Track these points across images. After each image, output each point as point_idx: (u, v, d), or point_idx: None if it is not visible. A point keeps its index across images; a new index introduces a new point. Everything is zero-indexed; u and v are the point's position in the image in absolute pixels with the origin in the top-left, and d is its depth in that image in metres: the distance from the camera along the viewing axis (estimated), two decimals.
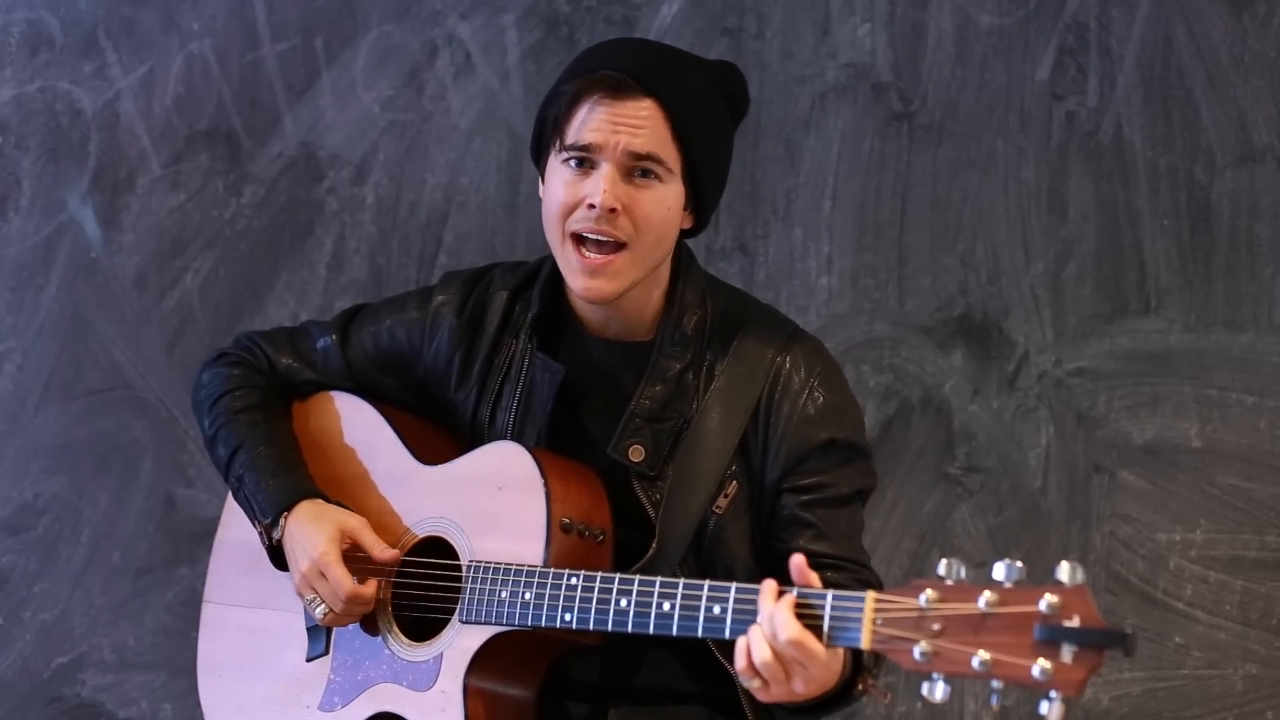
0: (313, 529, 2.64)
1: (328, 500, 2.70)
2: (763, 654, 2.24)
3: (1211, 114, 3.64)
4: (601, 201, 2.51)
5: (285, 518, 2.67)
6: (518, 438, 2.66)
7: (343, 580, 2.60)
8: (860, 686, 2.33)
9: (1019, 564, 2.06)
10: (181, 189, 4.09)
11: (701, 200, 2.62)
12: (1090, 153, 3.69)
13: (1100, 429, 3.66)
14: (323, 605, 2.63)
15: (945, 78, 3.76)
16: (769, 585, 2.26)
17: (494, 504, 2.57)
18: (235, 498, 2.77)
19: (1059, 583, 2.02)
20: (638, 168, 2.54)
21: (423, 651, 2.58)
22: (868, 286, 3.78)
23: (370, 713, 2.61)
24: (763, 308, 2.73)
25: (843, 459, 2.60)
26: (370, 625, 2.66)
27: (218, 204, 4.08)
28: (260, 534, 2.71)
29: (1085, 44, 3.70)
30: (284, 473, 2.71)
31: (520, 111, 3.94)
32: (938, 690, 2.08)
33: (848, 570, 2.54)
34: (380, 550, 2.62)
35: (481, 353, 2.72)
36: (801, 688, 2.25)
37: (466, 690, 2.51)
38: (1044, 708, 2.00)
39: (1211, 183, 3.63)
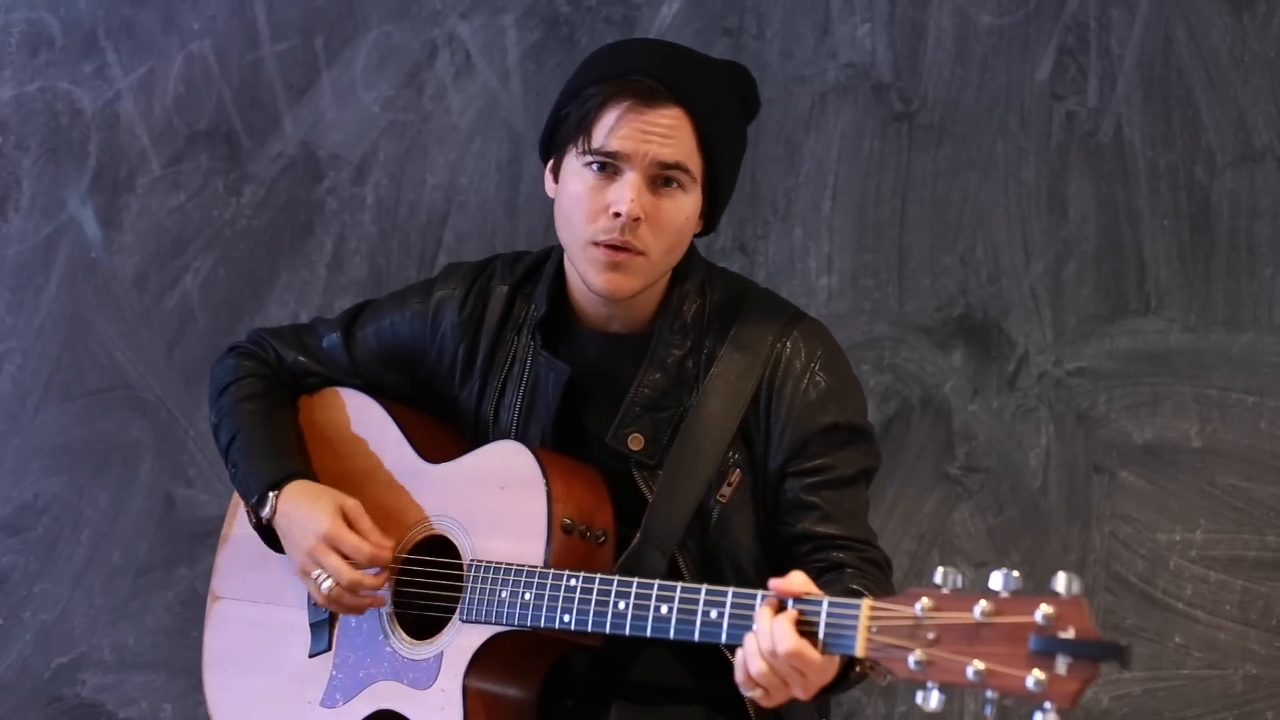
0: (310, 505, 2.64)
1: (318, 484, 2.69)
2: (759, 667, 2.25)
3: (1211, 114, 3.64)
4: (628, 211, 2.50)
5: (275, 496, 2.66)
6: (521, 436, 2.66)
7: (359, 545, 2.59)
8: (858, 669, 2.32)
9: (1015, 573, 2.06)
10: (181, 189, 4.09)
11: (715, 205, 2.62)
12: (1090, 153, 3.68)
13: (1100, 429, 3.66)
14: (329, 580, 2.60)
15: (945, 78, 3.75)
16: (769, 600, 2.26)
17: (496, 503, 2.57)
18: (233, 483, 2.77)
19: (1055, 594, 2.02)
20: (662, 176, 2.53)
21: (423, 650, 2.59)
22: (868, 286, 3.77)
23: (371, 710, 2.62)
24: (762, 292, 2.72)
25: (845, 441, 2.59)
26: (372, 623, 2.66)
27: (218, 204, 4.08)
28: (249, 513, 2.71)
29: (1085, 44, 3.70)
30: (275, 454, 2.71)
31: (520, 111, 3.94)
32: (932, 699, 2.08)
33: (855, 550, 2.54)
34: (376, 537, 2.61)
35: (483, 349, 2.72)
36: (802, 694, 2.27)
37: (466, 689, 2.51)
38: (1038, 719, 2.00)
39: (1211, 183, 3.63)
